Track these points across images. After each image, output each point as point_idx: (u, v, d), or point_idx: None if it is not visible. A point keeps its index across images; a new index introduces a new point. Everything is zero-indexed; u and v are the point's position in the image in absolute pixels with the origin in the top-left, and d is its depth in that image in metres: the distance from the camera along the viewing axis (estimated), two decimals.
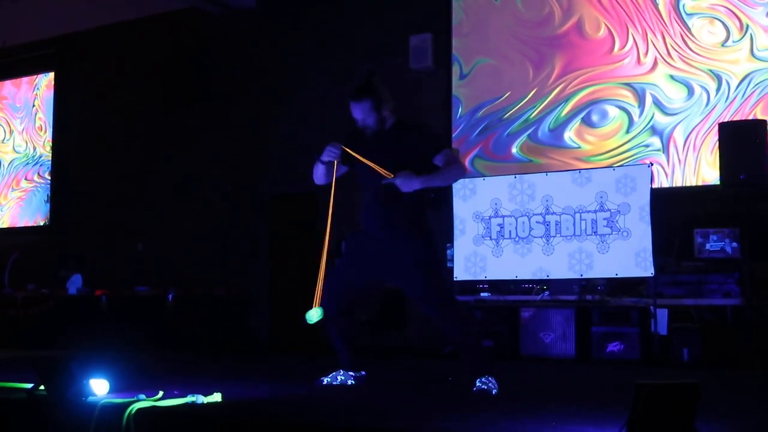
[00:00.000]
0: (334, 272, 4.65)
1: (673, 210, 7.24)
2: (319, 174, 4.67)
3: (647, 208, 6.89)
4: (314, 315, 4.32)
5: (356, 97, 4.45)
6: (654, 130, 7.83)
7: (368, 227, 4.52)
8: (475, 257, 7.52)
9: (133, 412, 3.34)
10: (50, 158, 12.07)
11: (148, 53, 11.06)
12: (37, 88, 12.37)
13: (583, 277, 7.15)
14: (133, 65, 11.28)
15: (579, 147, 8.15)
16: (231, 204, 9.77)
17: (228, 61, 10.50)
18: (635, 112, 7.93)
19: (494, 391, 4.19)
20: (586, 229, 7.15)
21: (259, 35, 10.33)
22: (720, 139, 6.74)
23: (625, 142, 7.92)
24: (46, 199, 12.00)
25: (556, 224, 7.27)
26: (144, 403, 3.45)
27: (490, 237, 7.54)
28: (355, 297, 4.63)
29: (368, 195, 4.54)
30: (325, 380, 4.59)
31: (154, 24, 11.13)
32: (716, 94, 7.58)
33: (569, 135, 8.22)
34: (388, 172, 4.33)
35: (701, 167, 7.57)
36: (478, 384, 4.24)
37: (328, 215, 4.46)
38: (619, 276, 7.02)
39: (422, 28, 9.06)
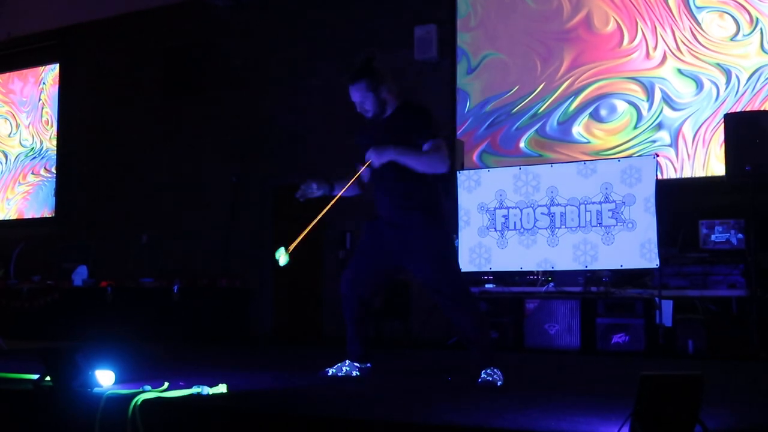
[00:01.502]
0: (354, 261, 4.64)
1: (678, 201, 7.23)
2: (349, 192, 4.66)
3: (652, 199, 6.88)
4: (281, 257, 4.41)
5: (351, 79, 4.47)
6: (663, 125, 7.78)
7: (383, 215, 4.51)
8: (479, 248, 7.52)
9: (139, 403, 3.35)
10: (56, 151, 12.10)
11: (153, 44, 11.06)
12: (43, 83, 12.37)
13: (588, 268, 7.14)
14: (137, 56, 11.28)
15: (587, 142, 8.11)
16: (235, 195, 9.77)
17: (232, 52, 10.50)
18: (644, 106, 7.88)
19: (499, 383, 4.19)
20: (591, 220, 7.14)
21: (263, 26, 10.32)
22: (726, 130, 6.73)
23: (634, 137, 7.88)
24: (53, 193, 12.02)
25: (561, 215, 7.26)
26: (149, 394, 3.46)
27: (495, 228, 7.54)
28: (374, 286, 4.63)
29: (379, 184, 4.54)
30: (330, 371, 4.59)
31: (158, 15, 11.12)
32: (726, 89, 7.53)
33: (578, 129, 8.19)
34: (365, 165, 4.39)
35: (710, 162, 7.51)
36: (483, 375, 4.23)
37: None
38: (624, 267, 7.02)
39: (427, 19, 9.04)
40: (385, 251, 4.51)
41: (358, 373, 4.57)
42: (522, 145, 8.44)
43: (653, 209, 6.87)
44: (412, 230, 4.38)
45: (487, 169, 7.91)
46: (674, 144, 7.70)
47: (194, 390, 3.64)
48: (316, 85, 9.77)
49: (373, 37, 9.33)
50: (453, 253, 4.53)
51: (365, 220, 4.69)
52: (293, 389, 4.14)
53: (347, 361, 4.62)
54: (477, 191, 7.58)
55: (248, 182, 9.96)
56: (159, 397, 3.46)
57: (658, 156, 7.20)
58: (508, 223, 7.50)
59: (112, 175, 11.36)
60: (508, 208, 7.51)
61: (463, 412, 3.30)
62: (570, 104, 8.26)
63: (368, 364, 4.62)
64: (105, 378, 3.75)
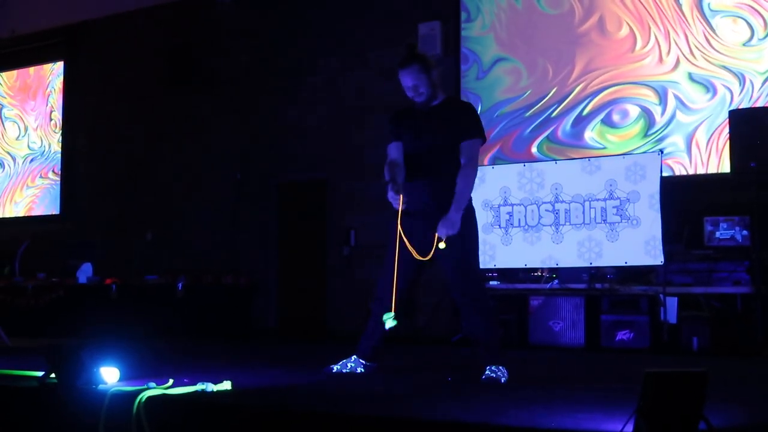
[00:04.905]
0: (389, 265, 4.49)
1: (682, 198, 7.21)
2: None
3: (657, 196, 6.87)
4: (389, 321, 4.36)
5: (404, 63, 4.48)
6: (676, 131, 7.69)
7: (411, 202, 4.48)
8: (484, 245, 7.48)
9: (143, 400, 3.36)
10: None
11: (157, 42, 11.06)
12: (52, 87, 12.36)
13: (593, 265, 7.14)
14: (141, 54, 11.29)
15: (599, 147, 8.01)
16: (240, 192, 9.78)
17: (236, 49, 10.50)
18: (657, 111, 7.80)
19: (503, 380, 4.19)
20: (595, 217, 7.13)
21: (268, 22, 10.32)
22: (731, 127, 6.70)
23: (647, 142, 7.80)
24: (60, 194, 12.05)
25: (566, 212, 7.26)
26: (154, 391, 3.47)
27: (500, 225, 7.54)
28: (410, 288, 4.60)
29: (411, 167, 4.52)
30: (335, 368, 4.59)
31: (162, 12, 11.14)
32: (740, 94, 7.43)
33: (590, 135, 8.12)
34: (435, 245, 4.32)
35: (724, 167, 7.35)
36: (487, 372, 4.24)
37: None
38: (628, 264, 7.01)
39: (431, 16, 9.03)
40: (415, 247, 4.47)
41: (362, 370, 4.57)
42: (534, 150, 8.38)
43: (658, 206, 6.86)
44: (439, 217, 4.35)
45: (491, 166, 7.89)
46: (688, 149, 7.60)
47: (199, 387, 3.64)
48: (320, 81, 9.77)
49: (376, 34, 9.33)
50: (476, 251, 4.51)
51: (392, 221, 4.55)
52: (298, 386, 4.14)
53: (354, 357, 4.61)
54: (481, 188, 7.54)
55: (252, 179, 9.98)
56: (163, 394, 3.47)
57: (662, 152, 7.18)
58: (512, 220, 7.49)
59: (116, 171, 11.38)
60: (512, 205, 7.50)
61: (467, 408, 3.30)
62: (582, 109, 8.18)
63: (374, 364, 4.61)
64: (109, 375, 3.76)
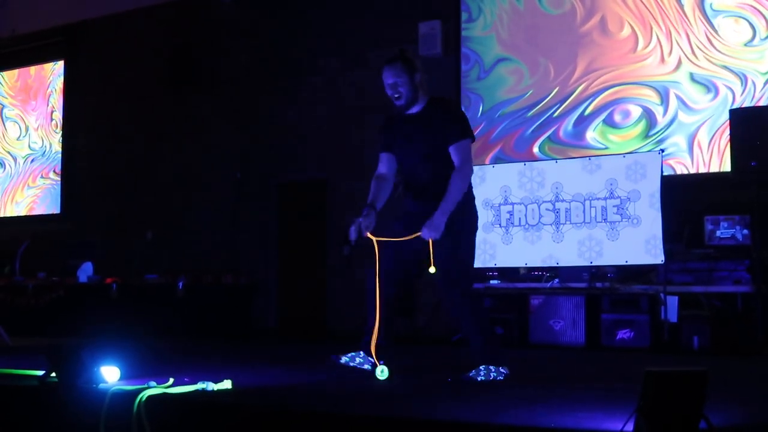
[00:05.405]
0: (381, 258, 4.49)
1: (683, 197, 7.20)
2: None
3: (657, 195, 6.86)
4: (380, 373, 4.32)
5: (388, 60, 4.47)
6: (678, 131, 7.67)
7: (409, 206, 4.49)
8: (484, 245, 7.51)
9: (144, 399, 3.36)
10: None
11: (157, 41, 11.06)
12: (53, 87, 12.36)
13: (593, 264, 7.13)
14: (142, 53, 11.29)
15: (601, 147, 7.98)
16: (240, 192, 9.78)
17: (236, 49, 10.50)
18: (659, 111, 7.78)
19: (492, 376, 4.19)
20: (596, 216, 7.13)
21: (268, 22, 10.31)
22: (731, 126, 6.69)
23: (648, 143, 7.77)
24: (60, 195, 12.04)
25: (566, 211, 7.25)
26: (154, 391, 3.47)
27: (500, 224, 7.53)
28: (402, 281, 4.58)
29: (407, 175, 4.53)
30: (343, 359, 4.52)
31: (163, 12, 11.14)
32: (742, 94, 7.40)
33: (592, 135, 8.10)
34: (414, 235, 4.31)
35: (725, 168, 7.27)
36: (473, 372, 4.24)
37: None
38: (629, 263, 7.01)
39: (431, 15, 9.03)
40: (410, 243, 4.44)
41: (369, 367, 4.53)
42: (536, 150, 8.36)
43: (658, 205, 6.85)
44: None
45: (491, 165, 7.89)
46: (690, 150, 7.58)
47: (199, 386, 3.65)
48: (320, 81, 9.77)
49: (377, 34, 9.32)
50: (472, 248, 4.49)
51: (391, 221, 4.55)
52: (298, 386, 4.14)
53: (362, 353, 4.57)
54: (482, 187, 7.55)
55: (252, 179, 9.97)
56: (164, 393, 3.47)
57: (663, 151, 7.18)
58: (512, 219, 7.49)
59: (117, 171, 11.37)
60: (512, 204, 7.50)
61: (466, 408, 3.30)
62: (584, 109, 8.16)
63: (381, 362, 4.59)
64: (110, 374, 3.76)
